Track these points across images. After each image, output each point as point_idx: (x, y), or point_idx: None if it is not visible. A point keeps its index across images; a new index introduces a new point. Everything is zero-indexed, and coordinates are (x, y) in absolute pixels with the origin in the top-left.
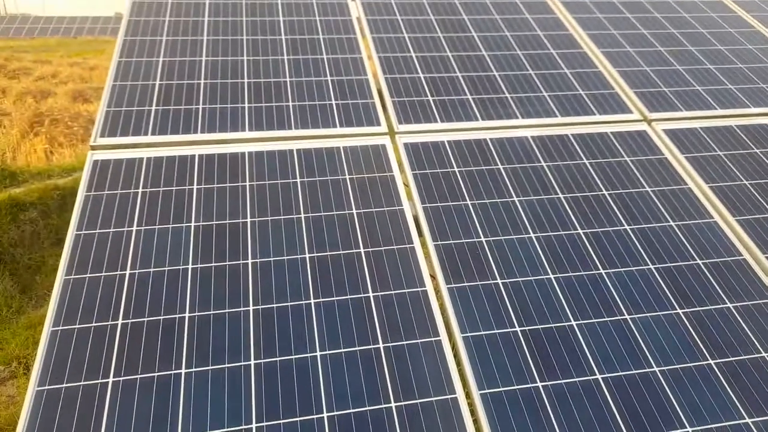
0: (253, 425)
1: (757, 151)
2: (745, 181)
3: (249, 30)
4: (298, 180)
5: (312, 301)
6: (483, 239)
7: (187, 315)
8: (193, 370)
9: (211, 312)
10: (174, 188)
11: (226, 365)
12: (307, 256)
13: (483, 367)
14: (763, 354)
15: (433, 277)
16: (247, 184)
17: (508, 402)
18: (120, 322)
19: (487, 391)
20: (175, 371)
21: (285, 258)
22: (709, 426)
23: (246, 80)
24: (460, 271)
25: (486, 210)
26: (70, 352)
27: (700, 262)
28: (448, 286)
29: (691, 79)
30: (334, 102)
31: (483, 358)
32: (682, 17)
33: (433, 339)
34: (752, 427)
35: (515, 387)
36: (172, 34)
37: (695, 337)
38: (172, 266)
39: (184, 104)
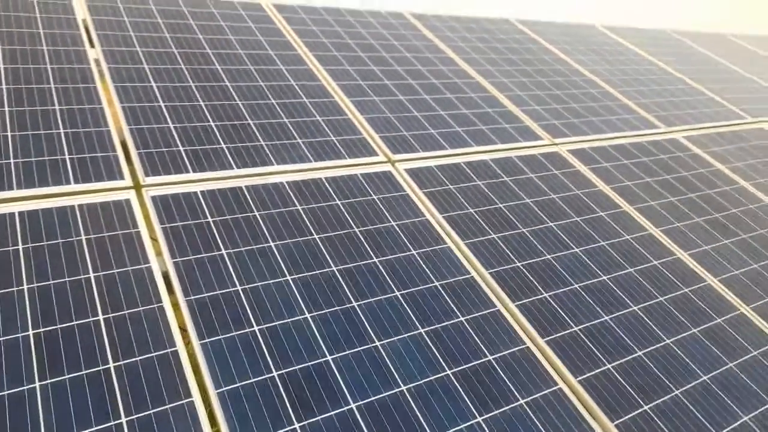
0: None
1: (480, 182)
2: (470, 209)
3: None
4: (21, 247)
5: (37, 384)
6: (239, 288)
7: None
8: None
9: None
10: None
11: None
12: (31, 332)
13: (239, 421)
14: (489, 358)
15: (184, 330)
16: None
17: None
18: None
19: None
20: None
21: (0, 339)
22: None
23: None
24: (214, 323)
25: (242, 258)
26: None
27: (437, 284)
28: (202, 341)
29: (427, 124)
30: (68, 157)
31: (239, 411)
32: (414, 68)
33: (185, 401)
34: (483, 424)
35: None
36: None
37: (435, 352)
38: None
39: None
